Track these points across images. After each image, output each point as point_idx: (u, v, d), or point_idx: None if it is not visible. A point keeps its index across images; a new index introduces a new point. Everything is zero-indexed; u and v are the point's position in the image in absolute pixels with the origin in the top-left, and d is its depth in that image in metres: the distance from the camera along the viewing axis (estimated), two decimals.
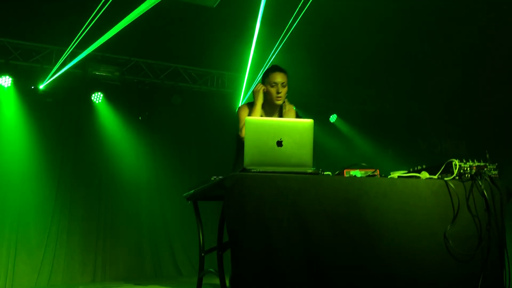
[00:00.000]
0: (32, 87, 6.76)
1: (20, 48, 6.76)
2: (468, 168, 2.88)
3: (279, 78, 3.44)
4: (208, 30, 7.15)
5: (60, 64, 6.72)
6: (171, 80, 7.67)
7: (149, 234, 7.21)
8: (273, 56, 7.13)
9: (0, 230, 6.29)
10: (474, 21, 6.31)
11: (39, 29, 6.66)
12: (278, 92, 3.41)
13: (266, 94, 3.49)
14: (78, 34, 6.19)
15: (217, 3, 6.42)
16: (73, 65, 6.88)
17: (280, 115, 3.58)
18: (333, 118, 8.68)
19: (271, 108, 3.53)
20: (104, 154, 7.15)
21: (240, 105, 3.54)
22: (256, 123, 2.55)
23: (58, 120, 7.01)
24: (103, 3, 5.76)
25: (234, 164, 3.71)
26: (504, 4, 5.55)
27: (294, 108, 3.66)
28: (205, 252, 2.81)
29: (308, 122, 2.60)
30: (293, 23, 6.46)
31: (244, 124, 3.32)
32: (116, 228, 7.03)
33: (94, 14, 5.94)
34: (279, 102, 3.47)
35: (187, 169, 7.67)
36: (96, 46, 6.68)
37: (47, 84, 6.75)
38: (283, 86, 3.44)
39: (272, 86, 3.43)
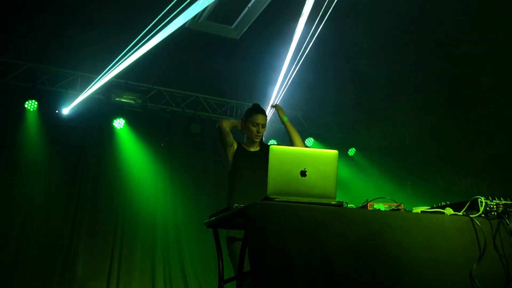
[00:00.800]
0: (56, 111, 6.90)
1: (47, 73, 6.95)
2: (495, 206, 2.82)
3: (260, 119, 3.78)
4: (229, 61, 7.27)
5: (84, 90, 6.87)
6: (192, 109, 7.77)
7: (163, 261, 7.14)
8: (287, 85, 7.12)
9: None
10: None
11: (66, 55, 6.86)
12: (258, 132, 3.77)
13: (247, 131, 3.83)
14: (111, 65, 6.32)
15: (240, 35, 6.55)
16: (96, 91, 7.05)
17: (261, 149, 3.85)
18: (351, 151, 8.64)
19: (251, 143, 3.85)
20: (123, 179, 7.20)
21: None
22: (280, 151, 2.55)
23: (79, 144, 7.13)
24: (128, 31, 5.92)
25: (229, 192, 3.77)
26: None
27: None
28: (224, 282, 2.77)
29: (332, 152, 2.59)
30: (312, 55, 6.50)
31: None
32: (131, 255, 6.98)
33: (120, 43, 6.10)
34: (257, 140, 3.82)
35: (204, 197, 7.66)
36: (120, 73, 6.84)
37: (71, 109, 6.89)
38: (263, 127, 3.79)
39: (254, 126, 3.77)
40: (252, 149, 3.85)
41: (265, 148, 3.85)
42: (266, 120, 3.85)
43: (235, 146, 3.85)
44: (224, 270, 2.92)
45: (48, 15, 6.23)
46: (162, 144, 7.49)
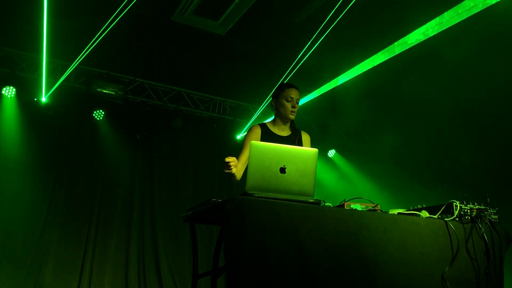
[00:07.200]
0: (35, 99, 6.77)
1: (27, 60, 6.81)
2: (469, 210, 2.86)
3: (294, 94, 3.47)
4: (214, 57, 7.24)
5: (65, 79, 6.76)
6: (174, 103, 7.71)
7: (138, 255, 7.07)
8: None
9: None
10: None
11: (47, 43, 6.71)
12: (293, 107, 3.44)
13: (280, 108, 3.48)
14: (85, 52, 6.23)
15: (226, 31, 6.52)
16: (77, 81, 6.93)
17: (293, 134, 3.55)
18: (331, 153, 8.70)
19: (284, 123, 3.52)
20: (100, 171, 7.11)
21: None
22: (261, 148, 2.54)
23: (57, 133, 7.01)
24: (112, 22, 5.84)
25: None
26: None
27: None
28: (198, 276, 2.75)
29: (312, 150, 2.60)
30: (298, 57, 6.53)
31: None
32: (105, 247, 6.90)
33: (102, 32, 6.01)
34: (293, 117, 3.48)
35: (182, 193, 7.62)
36: (102, 64, 6.74)
37: (49, 97, 6.76)
38: (297, 103, 3.48)
39: (288, 101, 3.45)
40: (283, 133, 3.51)
41: (297, 133, 3.55)
42: (299, 96, 3.51)
43: (259, 133, 3.46)
44: (198, 265, 2.90)
45: (27, 1, 6.09)
46: (138, 136, 7.37)
